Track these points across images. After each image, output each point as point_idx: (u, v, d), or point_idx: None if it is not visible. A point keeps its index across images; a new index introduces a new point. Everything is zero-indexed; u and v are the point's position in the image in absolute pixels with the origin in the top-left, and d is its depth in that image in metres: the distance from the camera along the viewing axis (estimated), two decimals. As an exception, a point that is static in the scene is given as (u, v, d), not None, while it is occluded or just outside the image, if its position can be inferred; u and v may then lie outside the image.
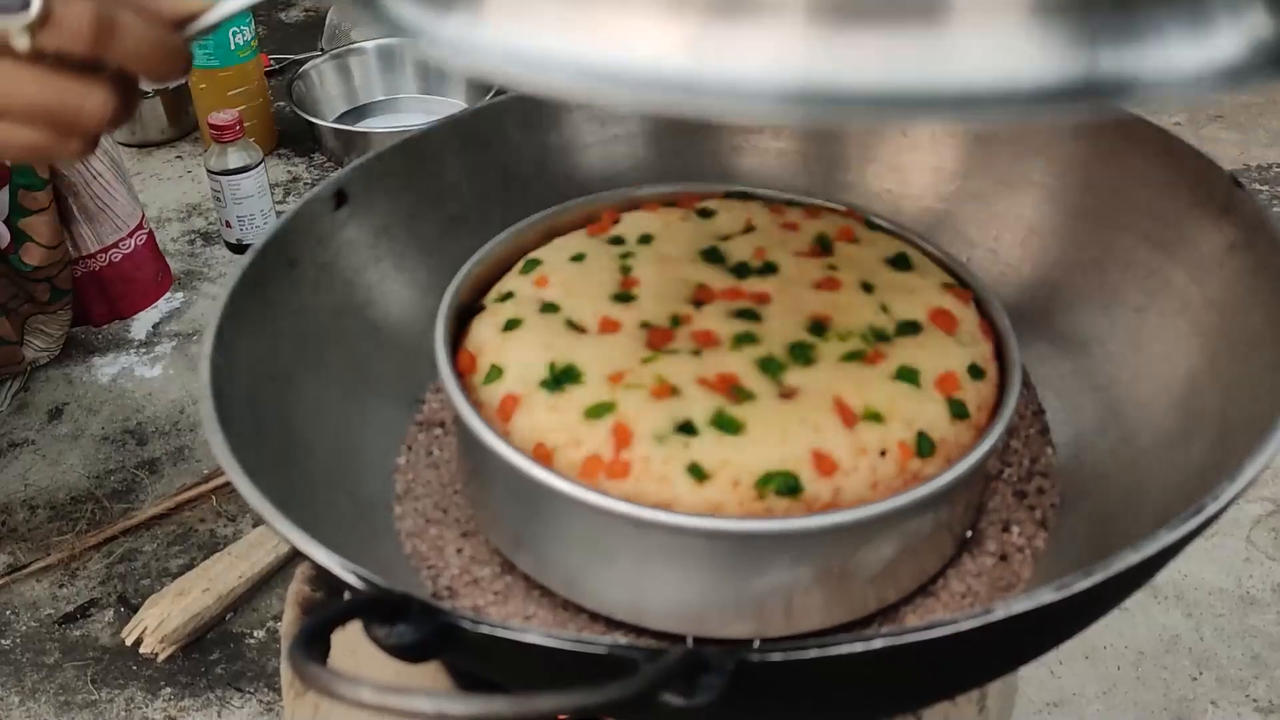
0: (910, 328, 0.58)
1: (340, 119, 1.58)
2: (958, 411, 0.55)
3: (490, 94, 1.54)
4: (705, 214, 0.66)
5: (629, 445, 0.53)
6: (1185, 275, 0.61)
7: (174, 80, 0.52)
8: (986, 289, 0.61)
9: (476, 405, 0.56)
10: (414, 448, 0.67)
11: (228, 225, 1.39)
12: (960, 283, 0.62)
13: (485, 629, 0.42)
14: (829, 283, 0.60)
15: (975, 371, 0.57)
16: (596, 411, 0.54)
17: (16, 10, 0.46)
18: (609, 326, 0.58)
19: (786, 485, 0.51)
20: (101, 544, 1.07)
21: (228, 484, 1.12)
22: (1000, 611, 0.43)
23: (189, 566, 1.05)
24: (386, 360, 0.68)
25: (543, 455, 0.54)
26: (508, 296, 0.62)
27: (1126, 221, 0.65)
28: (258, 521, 1.10)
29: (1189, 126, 1.56)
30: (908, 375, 0.55)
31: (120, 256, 1.16)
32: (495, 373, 0.57)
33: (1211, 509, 0.45)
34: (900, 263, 0.62)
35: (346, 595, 0.46)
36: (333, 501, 0.59)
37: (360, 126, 1.56)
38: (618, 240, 0.65)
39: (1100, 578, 0.43)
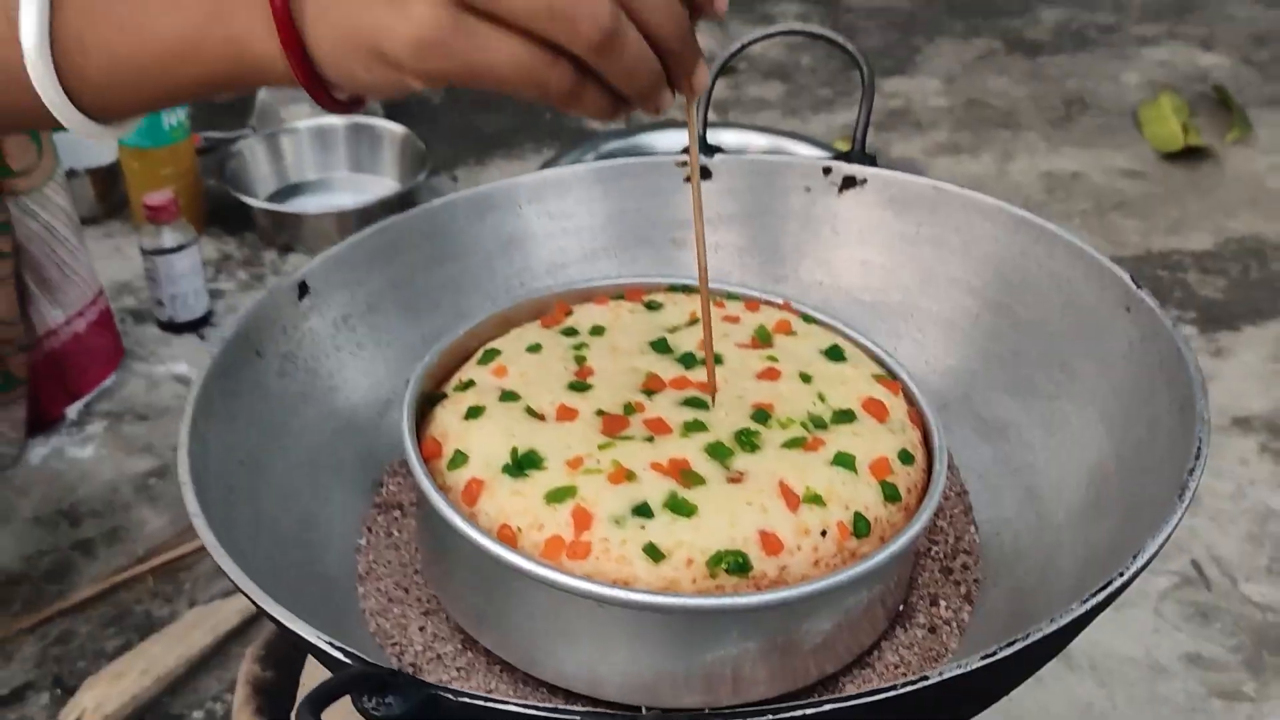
0: (845, 416, 0.63)
1: (271, 197, 1.61)
2: (890, 494, 0.60)
3: (423, 174, 1.58)
4: (652, 306, 0.71)
5: (589, 527, 0.56)
6: (1093, 367, 0.67)
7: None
8: (913, 380, 0.66)
9: (442, 489, 0.60)
10: (374, 529, 0.69)
11: (160, 304, 1.40)
12: (889, 373, 0.67)
13: (466, 699, 0.45)
14: (770, 373, 0.65)
15: (905, 457, 0.61)
16: (558, 495, 0.58)
17: None
18: (566, 414, 0.62)
19: (736, 564, 0.55)
20: (36, 626, 1.07)
21: (164, 564, 1.13)
22: (934, 677, 0.47)
23: (126, 648, 1.05)
24: (347, 445, 0.71)
25: (507, 537, 0.57)
26: (468, 385, 0.65)
27: (1039, 317, 0.71)
28: (193, 602, 1.11)
29: (1094, 214, 1.65)
30: (844, 461, 0.60)
31: (85, 326, 1.17)
32: (460, 458, 0.61)
33: (1118, 583, 0.50)
34: (834, 354, 0.67)
35: (305, 676, 0.49)
36: (300, 581, 0.62)
37: (291, 207, 1.58)
38: (571, 331, 0.69)
39: (1020, 647, 0.48)
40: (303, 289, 0.71)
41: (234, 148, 1.62)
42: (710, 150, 0.82)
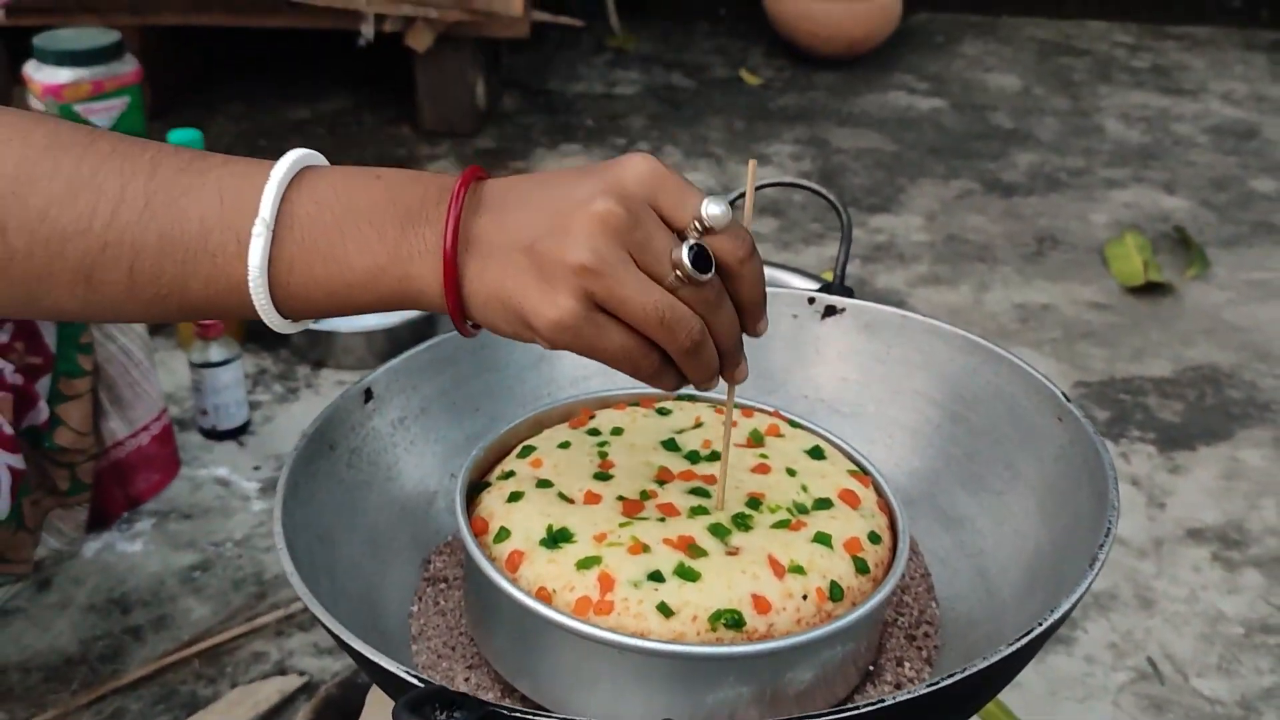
0: (824, 503, 0.75)
1: (305, 318, 1.75)
2: (861, 567, 0.72)
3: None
4: (663, 412, 0.84)
5: (612, 589, 0.68)
6: (1033, 467, 0.80)
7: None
8: (882, 475, 0.79)
9: (489, 559, 0.72)
10: (424, 598, 0.81)
11: (203, 413, 1.53)
12: (862, 470, 0.79)
13: (519, 714, 0.57)
14: (762, 468, 0.78)
15: (874, 537, 0.74)
16: (586, 563, 0.70)
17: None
18: (592, 499, 0.75)
19: (733, 620, 0.67)
20: (91, 703, 1.17)
21: (208, 649, 1.24)
22: (889, 700, 0.59)
23: (173, 722, 1.15)
24: (402, 527, 0.83)
25: (544, 597, 0.69)
26: (509, 475, 0.78)
27: (990, 425, 0.84)
28: (235, 683, 1.21)
29: (1064, 342, 1.79)
30: (823, 539, 0.72)
31: (148, 439, 1.29)
32: (504, 533, 0.73)
33: (1036, 632, 0.62)
34: (816, 454, 0.80)
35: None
36: (364, 637, 0.73)
37: (324, 326, 1.72)
38: (595, 432, 0.81)
39: (957, 679, 0.60)
40: (368, 394, 0.84)
41: (273, 271, 1.76)
42: (712, 281, 0.96)
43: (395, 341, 1.68)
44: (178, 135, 1.62)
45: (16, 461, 1.15)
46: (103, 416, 1.26)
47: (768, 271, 0.78)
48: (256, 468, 1.49)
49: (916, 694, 0.58)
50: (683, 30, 2.97)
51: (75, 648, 1.23)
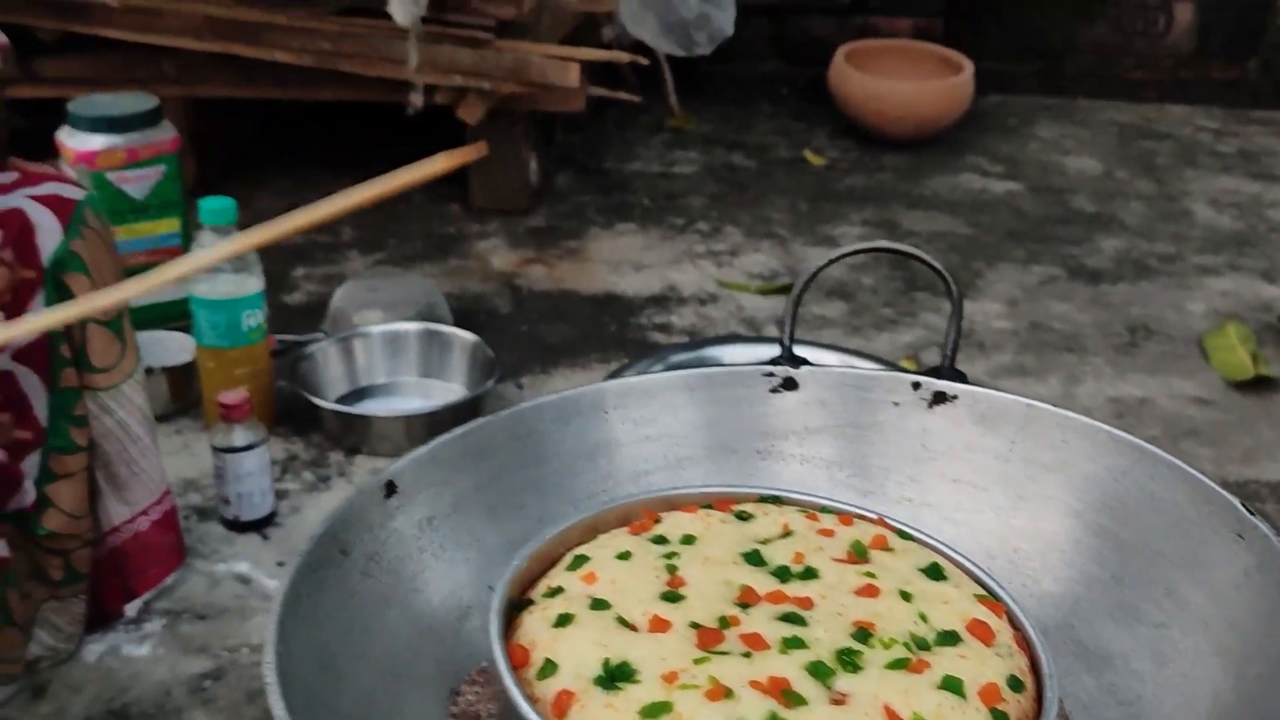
0: (950, 637, 0.60)
1: (341, 399, 1.62)
2: (1001, 723, 0.57)
3: (491, 380, 1.60)
4: (743, 517, 0.70)
5: (685, 747, 0.54)
6: (1204, 595, 0.65)
7: None
8: (1016, 602, 0.64)
9: (531, 700, 0.57)
10: (449, 741, 0.67)
11: (225, 501, 1.40)
12: (991, 595, 0.64)
13: None
14: (868, 590, 0.63)
15: (1015, 684, 0.59)
16: (653, 711, 0.55)
17: None
18: (659, 625, 0.60)
19: (842, 793, 0.52)
20: (76, 831, 1.03)
21: (212, 770, 1.09)
22: None
23: None
24: (426, 651, 0.69)
25: (599, 754, 0.55)
26: (557, 591, 0.64)
27: (1142, 541, 0.69)
28: (240, 811, 1.06)
29: (1166, 441, 1.63)
30: (952, 685, 0.57)
31: (147, 525, 1.17)
32: (550, 667, 0.59)
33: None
34: (934, 573, 0.65)
35: None
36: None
37: (359, 409, 1.60)
38: (661, 540, 0.67)
39: None
40: (390, 488, 0.71)
41: (307, 350, 1.65)
42: (797, 362, 0.82)
43: (436, 428, 1.54)
44: (209, 204, 1.52)
45: None
46: (99, 498, 1.14)
47: (841, 359, 0.66)
48: (280, 564, 1.36)
49: None
50: (743, 111, 2.87)
51: (64, 766, 1.10)
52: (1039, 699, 0.59)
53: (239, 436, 1.38)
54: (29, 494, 1.08)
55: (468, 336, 1.69)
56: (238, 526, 1.40)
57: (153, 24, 2.03)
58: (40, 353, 1.08)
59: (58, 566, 1.13)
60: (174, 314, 1.80)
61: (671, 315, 1.95)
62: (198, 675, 1.20)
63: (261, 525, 1.41)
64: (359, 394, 1.66)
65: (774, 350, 1.67)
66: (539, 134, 2.29)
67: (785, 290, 2.04)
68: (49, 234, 1.07)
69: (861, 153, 2.63)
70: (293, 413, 1.61)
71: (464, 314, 1.88)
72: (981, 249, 2.20)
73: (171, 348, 1.63)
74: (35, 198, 1.07)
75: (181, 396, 1.63)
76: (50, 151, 2.15)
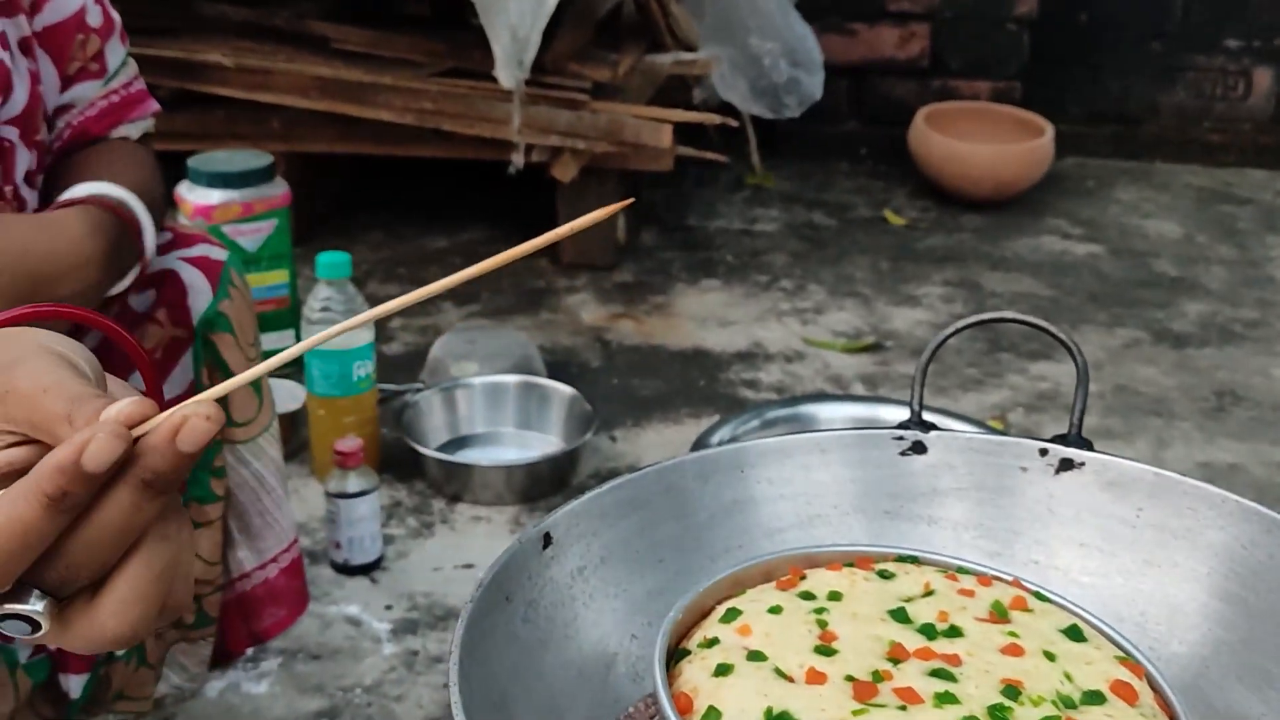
0: (1095, 697, 0.63)
1: (441, 448, 1.67)
2: (1150, 780, 0.59)
3: (589, 432, 1.64)
4: (885, 575, 0.73)
5: (850, 793, 0.57)
6: (1337, 662, 0.67)
7: None
8: (1156, 665, 0.66)
9: (696, 745, 0.61)
10: (603, 782, 0.70)
11: (337, 546, 1.45)
12: (1130, 657, 0.67)
13: None
14: (1013, 649, 0.66)
15: (1161, 742, 0.61)
16: (816, 758, 0.58)
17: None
18: (816, 678, 0.63)
19: (1002, 842, 0.55)
20: None
21: (333, 806, 1.13)
22: None
23: None
24: (579, 694, 0.73)
25: (766, 798, 0.58)
26: (713, 642, 0.67)
27: (1271, 607, 0.71)
28: (360, 847, 1.10)
29: (1248, 507, 1.64)
30: (1102, 742, 0.60)
31: (276, 572, 1.21)
32: (713, 714, 0.62)
33: None
34: (1074, 634, 0.67)
35: None
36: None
37: (461, 458, 1.65)
38: (808, 595, 0.70)
39: None
40: (547, 539, 0.74)
41: (411, 399, 1.70)
42: (925, 426, 0.85)
43: (534, 477, 1.60)
44: (326, 258, 1.58)
45: None
46: (230, 546, 1.19)
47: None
48: (388, 607, 1.40)
49: None
50: (822, 170, 2.91)
51: (192, 799, 1.14)
52: (1181, 759, 0.62)
53: (353, 483, 1.43)
54: None
55: (565, 390, 1.73)
56: (348, 570, 1.45)
57: (265, 83, 2.12)
58: None
59: (190, 610, 1.17)
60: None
61: (759, 372, 1.98)
62: (314, 713, 1.25)
63: (370, 569, 1.46)
64: (459, 443, 1.71)
65: (863, 407, 1.71)
66: (626, 191, 2.36)
67: (870, 349, 2.07)
68: (200, 295, 1.12)
69: (940, 213, 2.67)
70: (395, 459, 1.67)
71: (556, 366, 1.93)
72: (1065, 311, 2.23)
73: (280, 396, 1.69)
74: (187, 259, 1.13)
75: (289, 443, 1.69)
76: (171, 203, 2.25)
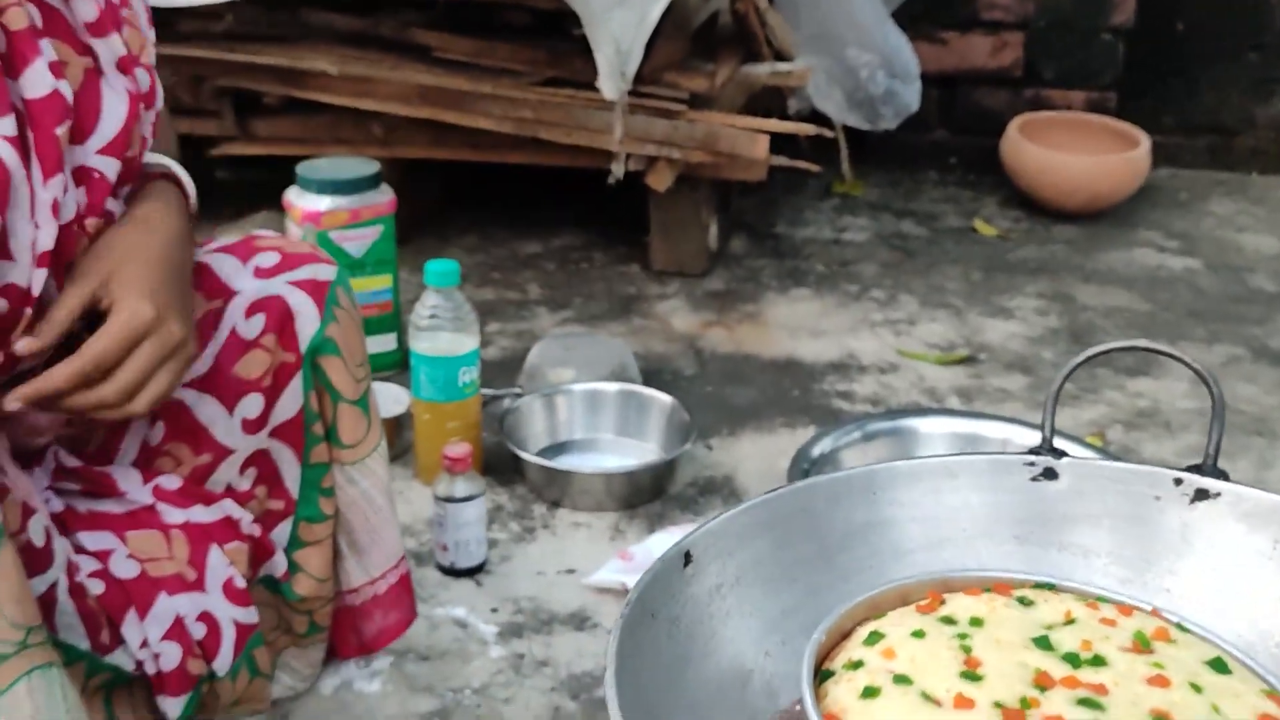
0: (1245, 730, 0.63)
1: (541, 453, 1.70)
2: (1304, 817, 0.59)
3: (688, 442, 1.65)
4: (1024, 602, 0.74)
5: (1005, 818, 0.58)
6: None
7: None
8: (1301, 700, 0.67)
9: (848, 767, 0.62)
10: (743, 796, 0.72)
11: (444, 549, 1.48)
12: (1275, 690, 0.67)
13: None
14: (1159, 680, 0.66)
15: (1312, 779, 0.61)
16: (968, 784, 0.59)
17: None
18: (964, 703, 0.65)
19: None
20: None
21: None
22: None
23: None
24: (717, 710, 0.74)
25: (920, 820, 0.59)
26: (858, 665, 0.68)
27: None
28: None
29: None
30: (1255, 776, 0.60)
31: (385, 588, 1.23)
32: (863, 736, 0.63)
33: None
34: (1219, 666, 0.68)
35: None
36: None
37: (562, 464, 1.67)
38: (949, 620, 0.72)
39: None
40: (687, 558, 0.76)
41: (513, 404, 1.73)
42: (1057, 454, 0.86)
43: (634, 484, 1.62)
44: (435, 266, 1.61)
45: (245, 616, 1.09)
46: (340, 560, 1.20)
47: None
48: (494, 609, 1.43)
49: None
50: (911, 179, 2.90)
51: (312, 792, 1.17)
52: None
53: (460, 488, 1.46)
54: (280, 564, 1.14)
55: (664, 398, 1.75)
56: (453, 573, 1.48)
57: (368, 90, 2.16)
58: (295, 430, 1.13)
59: (302, 623, 1.19)
60: (385, 364, 1.91)
61: (853, 383, 1.99)
62: (426, 713, 1.28)
63: (475, 572, 1.48)
64: (558, 448, 1.73)
65: (965, 422, 1.70)
66: (718, 199, 2.37)
67: (964, 361, 2.07)
68: (308, 320, 1.11)
69: (1032, 224, 2.65)
70: (498, 464, 1.69)
71: (650, 374, 1.95)
72: (1162, 327, 2.20)
73: (385, 400, 1.73)
74: (294, 283, 1.12)
75: (393, 446, 1.72)
76: (256, 203, 2.30)
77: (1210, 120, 2.98)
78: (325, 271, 1.15)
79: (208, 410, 1.09)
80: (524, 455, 1.64)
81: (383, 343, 1.90)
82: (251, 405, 1.09)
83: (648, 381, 1.86)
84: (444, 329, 1.61)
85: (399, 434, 1.72)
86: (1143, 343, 0.89)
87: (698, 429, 1.76)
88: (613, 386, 1.76)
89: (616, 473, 1.62)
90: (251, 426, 1.10)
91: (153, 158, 1.07)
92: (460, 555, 1.47)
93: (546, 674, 1.33)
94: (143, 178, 1.06)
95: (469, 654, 1.36)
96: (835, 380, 2.00)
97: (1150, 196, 2.77)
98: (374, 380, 1.78)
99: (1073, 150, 2.65)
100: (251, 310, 1.09)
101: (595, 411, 1.76)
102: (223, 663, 1.07)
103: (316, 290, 1.13)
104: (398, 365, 1.91)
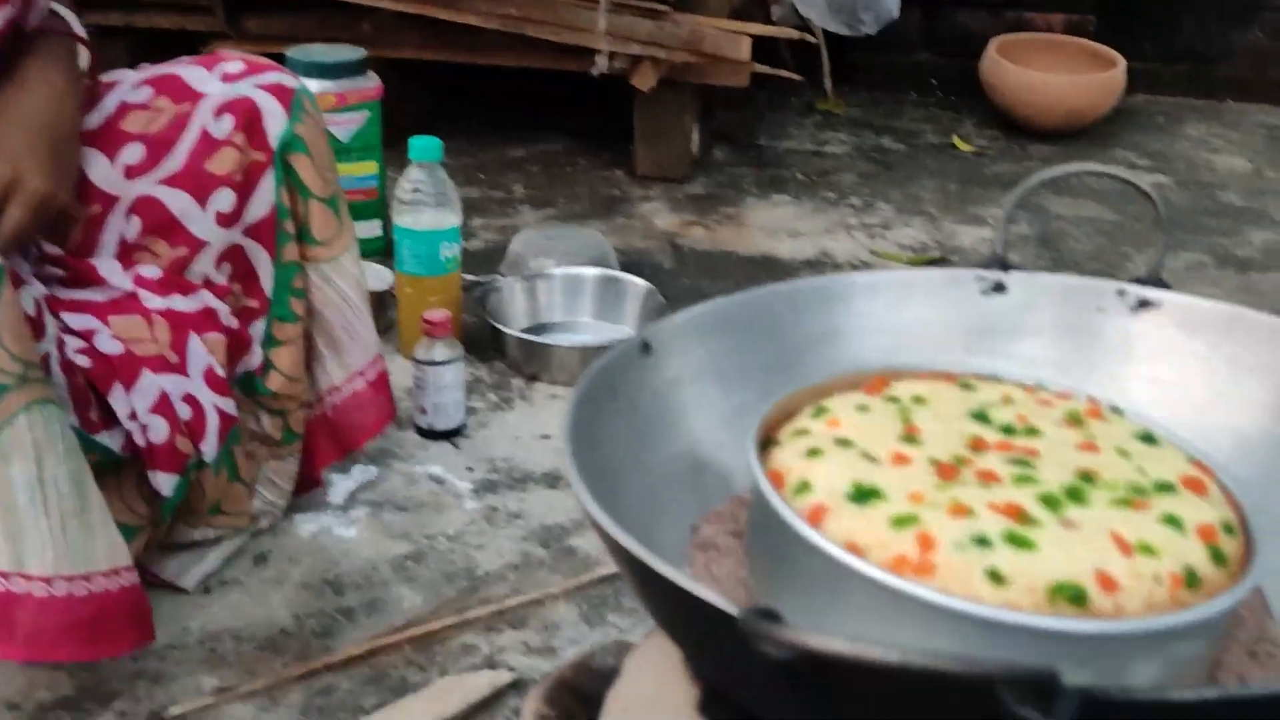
0: (1166, 487, 0.67)
1: (521, 333, 1.73)
2: (1217, 557, 0.64)
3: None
4: (966, 386, 0.77)
5: (933, 550, 0.62)
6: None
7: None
8: (1225, 470, 0.71)
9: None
10: (694, 564, 0.76)
11: (422, 411, 1.51)
12: (1200, 463, 0.71)
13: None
14: (1089, 446, 0.70)
15: (1229, 528, 0.65)
16: (901, 522, 0.63)
17: None
18: (900, 460, 0.68)
19: (1075, 594, 0.60)
20: (302, 677, 1.15)
21: (420, 636, 1.20)
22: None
23: (381, 705, 1.11)
24: (670, 492, 0.78)
25: (854, 551, 0.63)
26: (803, 433, 0.72)
27: (1337, 432, 0.75)
28: (445, 671, 1.17)
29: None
30: (1173, 521, 0.64)
31: (363, 385, 1.28)
32: (804, 486, 0.67)
33: None
34: (1148, 439, 0.72)
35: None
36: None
37: (543, 339, 1.70)
38: (893, 399, 0.75)
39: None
40: (646, 347, 0.80)
41: (496, 284, 1.76)
42: (1006, 267, 0.89)
43: (609, 362, 1.65)
44: (419, 141, 1.63)
45: (227, 405, 1.14)
46: (317, 361, 1.26)
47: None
48: (470, 469, 1.47)
49: None
50: (891, 99, 2.92)
51: (289, 622, 1.21)
52: (1246, 546, 0.66)
53: (439, 352, 1.49)
54: (256, 356, 1.20)
55: (641, 283, 1.78)
56: (432, 435, 1.51)
57: (355, -16, 2.17)
58: (268, 229, 1.19)
59: (278, 427, 1.24)
60: (370, 250, 1.93)
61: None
62: (400, 556, 1.32)
63: (452, 435, 1.52)
64: (538, 329, 1.76)
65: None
66: (701, 107, 2.39)
67: (936, 262, 2.10)
68: (275, 119, 1.17)
69: (1009, 141, 2.68)
70: (478, 342, 1.73)
71: (629, 267, 1.98)
72: (1128, 235, 2.24)
73: (369, 276, 1.75)
74: (262, 86, 1.18)
75: (378, 320, 1.75)
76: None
77: (1189, 47, 3.00)
78: (291, 81, 1.22)
79: (180, 203, 1.14)
80: (505, 330, 1.67)
81: (368, 229, 1.92)
82: (223, 199, 1.15)
83: (628, 272, 1.89)
84: (426, 204, 1.63)
85: (383, 311, 1.75)
86: (1093, 165, 0.93)
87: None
88: (592, 271, 1.80)
89: (592, 347, 1.66)
90: (225, 220, 1.15)
91: (48, 9, 1.11)
92: (438, 417, 1.51)
93: (519, 525, 1.37)
94: (30, 35, 1.09)
95: (444, 506, 1.40)
96: (810, 276, 2.03)
97: (1127, 120, 2.80)
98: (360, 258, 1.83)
99: (1051, 71, 2.67)
100: (220, 110, 1.15)
101: (574, 295, 1.79)
102: (209, 447, 1.12)
103: (283, 93, 1.20)
104: (382, 251, 1.93)
